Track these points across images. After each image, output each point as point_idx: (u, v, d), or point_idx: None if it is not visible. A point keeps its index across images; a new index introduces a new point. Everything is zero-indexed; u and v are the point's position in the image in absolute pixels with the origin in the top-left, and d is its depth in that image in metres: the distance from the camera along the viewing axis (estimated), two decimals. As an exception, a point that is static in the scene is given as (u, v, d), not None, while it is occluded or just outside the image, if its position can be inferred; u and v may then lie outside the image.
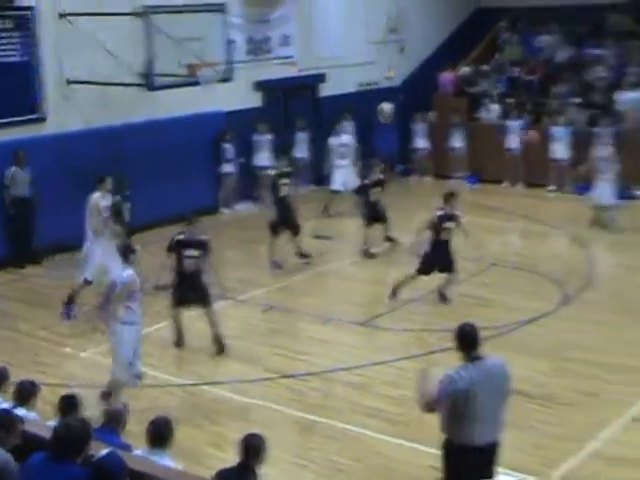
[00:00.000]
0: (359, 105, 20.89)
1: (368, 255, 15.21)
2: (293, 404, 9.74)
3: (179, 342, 11.50)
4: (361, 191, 15.60)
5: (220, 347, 11.23)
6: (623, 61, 21.21)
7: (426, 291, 13.23)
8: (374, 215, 15.29)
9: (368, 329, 12.09)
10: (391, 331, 11.91)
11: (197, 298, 11.25)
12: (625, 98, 19.89)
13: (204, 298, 11.25)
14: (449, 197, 12.93)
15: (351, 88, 21.63)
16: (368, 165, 16.17)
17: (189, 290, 11.22)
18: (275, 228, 14.59)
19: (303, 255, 14.83)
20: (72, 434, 5.37)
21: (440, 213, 12.78)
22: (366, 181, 15.57)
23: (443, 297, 12.92)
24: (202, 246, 11.22)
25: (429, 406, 6.53)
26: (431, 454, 8.31)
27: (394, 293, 12.98)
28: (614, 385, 9.95)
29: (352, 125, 20.66)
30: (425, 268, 12.75)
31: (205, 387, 10.34)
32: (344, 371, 10.58)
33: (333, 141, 19.03)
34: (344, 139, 18.83)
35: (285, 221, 14.68)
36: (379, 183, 15.43)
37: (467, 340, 6.46)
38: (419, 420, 9.06)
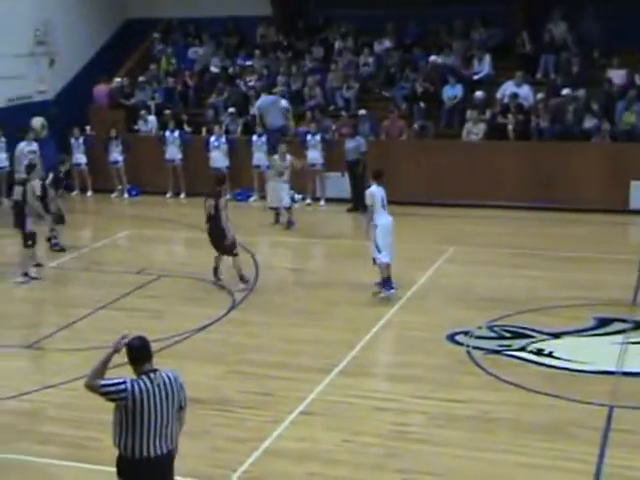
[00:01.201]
0: (10, 121, 20.00)
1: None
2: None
3: None
4: None
5: None
6: (272, 71, 22.10)
7: (93, 308, 12.97)
8: None
9: (35, 351, 11.61)
10: (60, 352, 11.52)
11: None
12: (260, 102, 20.70)
13: None
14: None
15: (1, 103, 20.68)
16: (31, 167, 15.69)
17: None
18: None
19: None
20: None
21: None
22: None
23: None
24: None
25: (92, 387, 6.36)
26: (108, 472, 8.13)
27: (242, 278, 13.76)
28: (285, 383, 10.31)
29: (4, 142, 19.81)
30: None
31: None
32: (12, 399, 10.06)
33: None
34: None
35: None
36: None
37: (137, 354, 6.44)
38: (98, 440, 8.88)
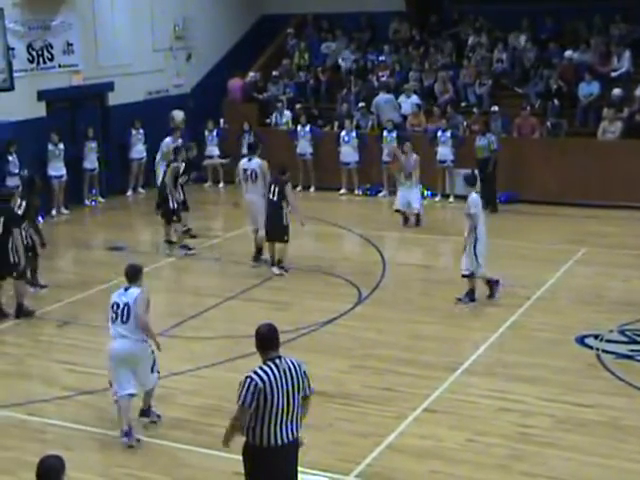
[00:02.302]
0: (149, 113, 20.64)
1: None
2: (93, 421, 9.46)
3: None
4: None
5: None
6: (404, 66, 22.04)
7: (223, 298, 13.25)
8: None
9: (165, 339, 11.89)
10: (189, 340, 11.81)
11: None
12: (376, 100, 20.69)
13: None
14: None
15: (140, 96, 21.33)
16: (178, 149, 16.19)
17: None
18: None
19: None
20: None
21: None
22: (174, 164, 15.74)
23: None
24: None
25: (241, 424, 6.48)
26: (235, 460, 8.31)
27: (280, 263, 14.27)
28: (409, 379, 10.30)
29: (142, 133, 20.45)
30: None
31: (-4, 410, 9.88)
32: (144, 384, 10.38)
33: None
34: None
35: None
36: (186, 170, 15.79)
37: (265, 340, 6.52)
38: (223, 428, 9.07)
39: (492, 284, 12.80)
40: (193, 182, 21.60)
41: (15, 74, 15.97)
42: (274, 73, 22.70)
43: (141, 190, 20.93)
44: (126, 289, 9.08)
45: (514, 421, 9.20)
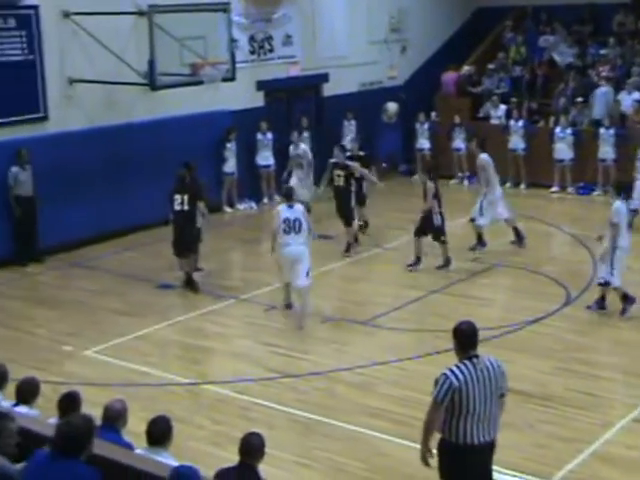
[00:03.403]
0: (362, 105, 20.91)
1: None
2: (295, 403, 9.73)
3: None
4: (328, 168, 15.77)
5: None
6: (627, 61, 21.19)
7: (426, 291, 13.26)
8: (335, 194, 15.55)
9: (369, 328, 12.09)
10: (392, 331, 11.90)
11: None
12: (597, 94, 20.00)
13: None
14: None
15: (354, 88, 21.64)
16: (340, 147, 16.16)
17: None
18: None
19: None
20: (75, 431, 5.35)
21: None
22: (332, 160, 15.66)
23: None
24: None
25: (431, 418, 6.50)
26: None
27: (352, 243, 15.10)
28: (615, 386, 9.95)
29: (354, 124, 20.73)
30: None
31: (207, 386, 10.34)
32: (346, 371, 10.57)
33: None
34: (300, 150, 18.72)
35: (337, 210, 15.33)
36: (343, 167, 15.36)
37: (464, 338, 6.48)
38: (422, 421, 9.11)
39: (627, 299, 12.07)
40: (402, 174, 21.88)
41: (237, 65, 16.58)
42: (489, 66, 22.39)
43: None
44: (289, 206, 11.95)
45: None
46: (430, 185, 14.09)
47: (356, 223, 15.63)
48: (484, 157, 15.12)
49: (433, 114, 22.17)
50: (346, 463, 8.46)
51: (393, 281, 14.20)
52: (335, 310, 12.87)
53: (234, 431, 8.36)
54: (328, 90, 21.13)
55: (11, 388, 7.18)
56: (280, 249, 11.96)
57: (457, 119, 21.15)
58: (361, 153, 16.16)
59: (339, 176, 15.21)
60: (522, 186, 20.51)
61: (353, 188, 15.31)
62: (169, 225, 13.72)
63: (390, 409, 9.54)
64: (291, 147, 18.81)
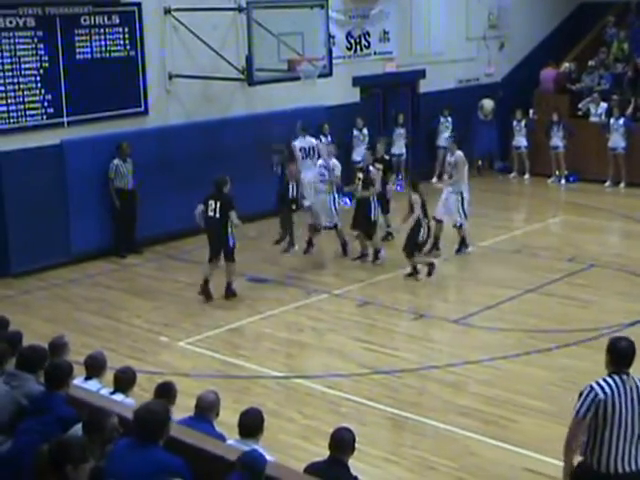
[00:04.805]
0: (458, 102, 20.75)
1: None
2: (386, 400, 9.73)
3: None
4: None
5: None
6: None
7: (521, 290, 13.09)
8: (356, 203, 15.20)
9: (461, 327, 11.99)
10: (485, 330, 11.77)
11: None
12: None
13: None
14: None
15: (451, 84, 21.49)
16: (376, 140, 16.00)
17: None
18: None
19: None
20: (152, 417, 5.41)
21: None
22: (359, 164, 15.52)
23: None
24: None
25: (571, 435, 5.94)
26: (526, 456, 8.25)
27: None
28: None
29: (449, 121, 20.60)
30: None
31: (298, 380, 10.42)
32: (437, 369, 10.52)
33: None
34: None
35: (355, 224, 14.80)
36: (379, 161, 15.21)
37: (621, 357, 5.95)
38: (514, 422, 9.02)
39: None
40: (498, 172, 21.63)
41: (334, 61, 16.63)
42: (590, 63, 21.94)
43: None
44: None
45: None
46: (415, 197, 13.73)
47: (378, 237, 14.90)
48: (460, 154, 14.81)
49: (531, 111, 21.85)
50: (435, 461, 8.42)
51: (486, 280, 14.06)
52: (426, 308, 12.81)
53: (324, 425, 8.42)
54: (424, 86, 21.02)
55: (109, 376, 7.37)
56: None
57: (555, 117, 20.78)
58: (386, 157, 15.88)
59: (359, 179, 14.78)
60: (621, 185, 20.05)
61: (374, 197, 14.60)
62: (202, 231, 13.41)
63: (481, 409, 9.45)
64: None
